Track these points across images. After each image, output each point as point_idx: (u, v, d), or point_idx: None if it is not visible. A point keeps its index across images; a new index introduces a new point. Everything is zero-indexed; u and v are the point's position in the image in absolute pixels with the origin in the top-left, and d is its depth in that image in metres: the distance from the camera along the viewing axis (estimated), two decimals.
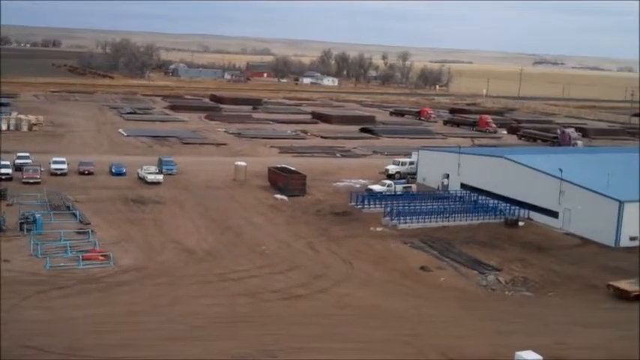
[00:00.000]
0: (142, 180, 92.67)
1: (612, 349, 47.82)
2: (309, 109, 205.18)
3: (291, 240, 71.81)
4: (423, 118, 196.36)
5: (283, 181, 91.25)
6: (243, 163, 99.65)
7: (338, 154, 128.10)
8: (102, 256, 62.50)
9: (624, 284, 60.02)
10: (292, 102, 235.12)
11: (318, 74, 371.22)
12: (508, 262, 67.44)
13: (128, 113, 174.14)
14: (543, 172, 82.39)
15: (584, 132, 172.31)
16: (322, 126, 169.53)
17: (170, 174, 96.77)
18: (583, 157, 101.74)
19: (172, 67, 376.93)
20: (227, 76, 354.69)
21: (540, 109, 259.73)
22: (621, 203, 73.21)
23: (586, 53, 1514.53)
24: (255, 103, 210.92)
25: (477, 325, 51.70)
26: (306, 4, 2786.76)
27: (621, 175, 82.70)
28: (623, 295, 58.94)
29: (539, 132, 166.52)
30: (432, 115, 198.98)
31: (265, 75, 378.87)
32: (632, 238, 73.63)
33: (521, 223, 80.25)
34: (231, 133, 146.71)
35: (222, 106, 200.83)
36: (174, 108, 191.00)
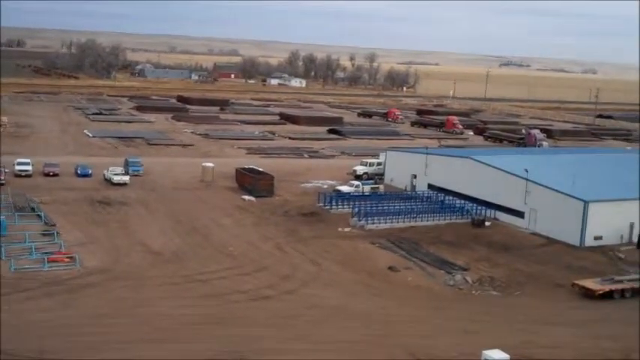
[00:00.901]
0: (108, 181, 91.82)
1: (578, 348, 48.34)
2: (277, 110, 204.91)
3: (259, 241, 71.60)
4: (390, 120, 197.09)
5: (251, 182, 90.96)
6: (210, 164, 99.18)
7: (306, 155, 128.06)
8: (67, 258, 61.79)
9: (589, 283, 60.71)
10: (260, 103, 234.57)
11: (286, 75, 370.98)
12: (475, 262, 67.87)
13: (94, 114, 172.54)
14: (509, 173, 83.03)
15: (549, 133, 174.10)
16: (290, 127, 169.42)
17: (136, 175, 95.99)
18: (548, 157, 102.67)
19: (139, 67, 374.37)
20: (194, 76, 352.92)
21: (506, 110, 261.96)
22: (586, 203, 74.00)
23: (551, 55, 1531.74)
24: (223, 104, 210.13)
25: (444, 325, 51.94)
26: (273, 5, 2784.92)
27: (586, 176, 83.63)
28: (588, 294, 59.61)
29: (505, 133, 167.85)
30: (400, 117, 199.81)
31: (233, 76, 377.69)
32: (596, 238, 74.48)
33: (487, 223, 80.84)
34: (198, 134, 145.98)
35: (189, 106, 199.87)
36: (140, 109, 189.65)
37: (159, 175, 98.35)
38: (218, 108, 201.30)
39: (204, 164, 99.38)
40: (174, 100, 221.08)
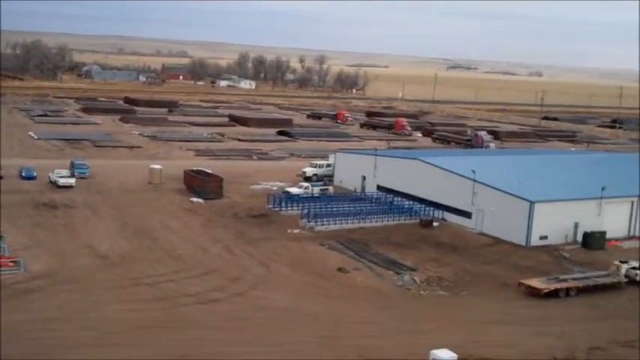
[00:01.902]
0: (54, 184, 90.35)
1: (525, 346, 49.02)
2: (226, 111, 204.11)
3: (208, 243, 71.12)
4: (339, 121, 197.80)
5: (199, 184, 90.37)
6: (158, 166, 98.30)
7: (255, 157, 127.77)
8: (11, 262, 60.47)
9: (535, 282, 61.61)
10: (209, 105, 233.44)
11: (235, 77, 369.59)
12: (423, 262, 68.39)
13: (39, 116, 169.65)
14: (457, 174, 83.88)
15: (496, 134, 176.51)
16: (239, 129, 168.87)
17: (83, 178, 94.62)
18: (495, 158, 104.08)
19: (85, 68, 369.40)
20: (142, 78, 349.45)
21: (454, 112, 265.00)
22: (532, 203, 75.12)
23: (498, 58, 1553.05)
24: (171, 106, 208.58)
25: (393, 325, 52.21)
26: (222, 5, 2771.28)
27: (532, 177, 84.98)
28: (534, 293, 60.48)
29: (453, 135, 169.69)
30: (349, 118, 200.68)
31: (181, 77, 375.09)
32: (542, 238, 75.67)
33: (435, 224, 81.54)
34: (146, 136, 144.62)
35: (136, 108, 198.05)
36: (87, 110, 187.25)
37: (106, 178, 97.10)
38: (166, 110, 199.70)
39: (151, 166, 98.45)
40: (121, 102, 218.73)
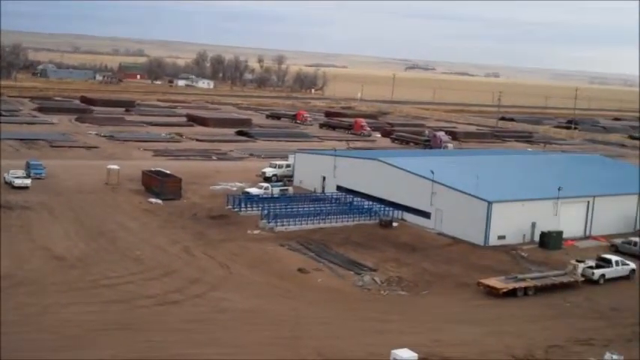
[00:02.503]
0: (9, 185, 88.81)
1: (484, 345, 49.46)
2: (184, 111, 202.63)
3: (167, 245, 70.52)
4: (299, 122, 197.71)
5: (158, 184, 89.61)
6: (115, 167, 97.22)
7: (214, 157, 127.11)
8: None
9: (494, 282, 62.19)
10: (167, 104, 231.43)
11: (193, 76, 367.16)
12: (383, 263, 68.63)
13: None
14: (416, 174, 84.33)
15: (454, 135, 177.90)
16: (198, 129, 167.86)
17: (38, 178, 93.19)
18: (453, 159, 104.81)
19: (41, 67, 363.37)
20: (99, 77, 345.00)
21: (413, 113, 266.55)
22: (490, 204, 75.83)
23: (455, 59, 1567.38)
24: (128, 106, 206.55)
25: (353, 325, 52.29)
26: (180, 5, 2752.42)
27: (490, 177, 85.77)
28: (492, 292, 61.03)
29: (411, 135, 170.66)
30: (308, 119, 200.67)
31: (138, 77, 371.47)
32: (500, 237, 76.43)
33: (395, 224, 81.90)
34: (103, 136, 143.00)
35: (93, 108, 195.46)
36: (42, 110, 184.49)
37: (62, 178, 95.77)
38: (123, 109, 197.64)
39: (109, 167, 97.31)
40: (77, 101, 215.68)
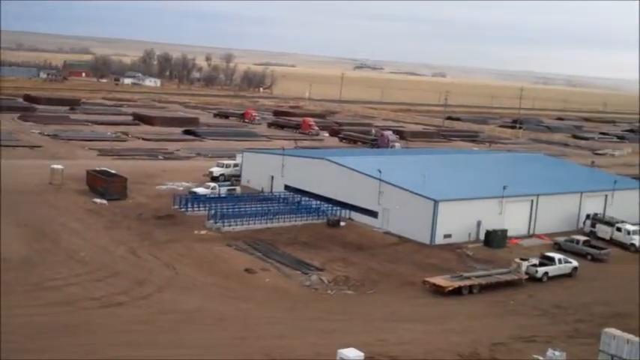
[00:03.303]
0: None
1: (429, 343, 49.92)
2: (130, 110, 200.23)
3: (112, 245, 69.61)
4: (247, 121, 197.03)
5: (103, 184, 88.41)
6: (59, 166, 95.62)
7: (160, 157, 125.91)
8: None
9: (439, 280, 62.82)
10: (112, 103, 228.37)
11: (140, 75, 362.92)
12: (330, 262, 68.78)
13: None
14: (363, 174, 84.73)
15: (401, 134, 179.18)
16: (144, 128, 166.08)
17: None
18: (400, 158, 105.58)
19: None
20: (43, 75, 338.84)
21: (360, 112, 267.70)
22: (436, 203, 76.55)
23: (403, 59, 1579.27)
24: (73, 104, 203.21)
25: (300, 325, 52.31)
26: (126, 3, 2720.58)
27: (436, 176, 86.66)
28: (438, 291, 61.66)
29: (359, 134, 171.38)
30: (256, 118, 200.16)
31: (84, 74, 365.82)
32: (446, 236, 77.26)
33: (342, 224, 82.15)
34: (46, 135, 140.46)
35: (37, 106, 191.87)
36: None
37: (4, 178, 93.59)
38: (68, 108, 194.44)
39: (53, 166, 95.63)
40: (21, 100, 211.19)
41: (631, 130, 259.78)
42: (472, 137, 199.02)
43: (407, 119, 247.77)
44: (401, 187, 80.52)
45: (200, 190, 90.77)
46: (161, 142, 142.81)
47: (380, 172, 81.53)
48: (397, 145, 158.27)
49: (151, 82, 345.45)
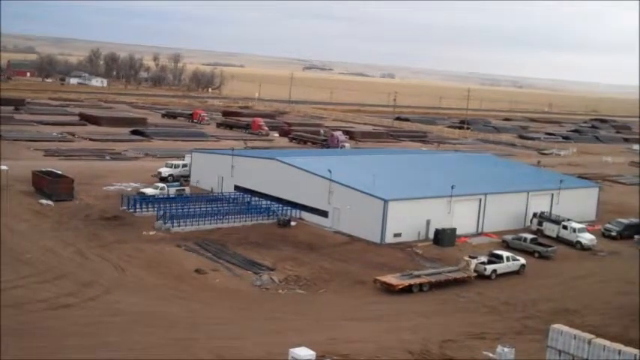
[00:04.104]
0: None
1: (380, 341, 50.10)
2: (77, 110, 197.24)
3: (59, 247, 68.44)
4: (195, 121, 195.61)
5: (49, 185, 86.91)
6: (4, 167, 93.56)
7: (108, 157, 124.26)
8: None
9: (390, 279, 63.14)
10: (58, 103, 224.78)
11: (86, 74, 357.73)
12: (281, 262, 68.65)
13: None
14: (313, 174, 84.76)
15: (351, 135, 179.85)
16: (91, 128, 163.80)
17: None
18: (350, 158, 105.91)
19: None
20: None
21: (310, 112, 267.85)
22: (386, 202, 76.93)
23: (352, 60, 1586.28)
24: (18, 104, 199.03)
25: (251, 325, 52.09)
26: (72, 3, 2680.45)
27: (386, 176, 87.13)
28: (389, 289, 61.97)
29: (309, 135, 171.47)
30: (205, 118, 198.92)
31: (29, 74, 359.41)
32: (396, 235, 77.71)
33: (293, 223, 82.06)
34: None
35: None
36: None
37: None
38: (12, 108, 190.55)
39: None
40: None
41: (576, 131, 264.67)
42: (421, 137, 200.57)
43: (356, 120, 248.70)
44: (351, 187, 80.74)
45: (148, 191, 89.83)
46: (108, 143, 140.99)
47: (330, 172, 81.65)
48: (347, 145, 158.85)
49: (97, 82, 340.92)
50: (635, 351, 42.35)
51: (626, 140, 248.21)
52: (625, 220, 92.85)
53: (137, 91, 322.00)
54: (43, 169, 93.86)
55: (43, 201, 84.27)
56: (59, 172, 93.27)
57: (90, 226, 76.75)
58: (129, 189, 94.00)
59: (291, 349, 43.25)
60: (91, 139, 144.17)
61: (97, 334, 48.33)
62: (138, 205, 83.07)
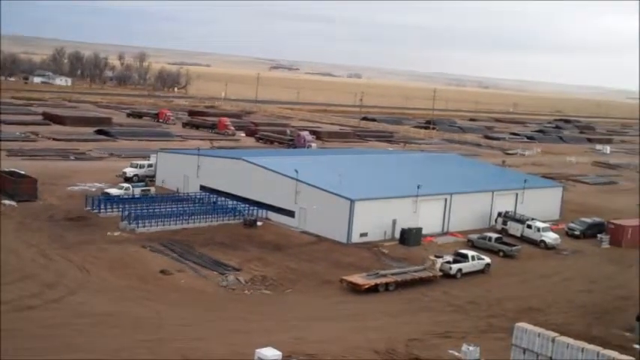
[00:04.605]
0: None
1: (347, 340, 50.18)
2: (41, 109, 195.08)
3: (22, 248, 67.54)
4: (161, 120, 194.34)
5: (12, 185, 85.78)
6: None
7: (72, 157, 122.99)
8: None
9: (356, 278, 63.28)
10: (21, 102, 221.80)
11: (50, 73, 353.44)
12: (247, 262, 68.45)
13: None
14: (280, 174, 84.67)
15: (317, 135, 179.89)
16: (55, 127, 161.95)
17: None
18: (317, 158, 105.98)
19: None
20: None
21: (277, 112, 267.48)
22: (352, 202, 77.10)
23: (319, 60, 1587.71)
24: None
25: (217, 326, 51.90)
26: (36, 1, 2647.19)
27: (352, 176, 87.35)
28: (355, 289, 62.10)
29: (276, 135, 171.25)
30: (171, 117, 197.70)
31: None
32: (362, 235, 77.92)
33: (259, 223, 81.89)
34: None
35: None
36: None
37: None
38: None
39: None
40: None
41: (540, 131, 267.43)
42: (387, 137, 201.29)
43: (323, 119, 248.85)
44: (318, 187, 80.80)
45: (113, 191, 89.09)
46: (73, 142, 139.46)
47: (297, 172, 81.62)
48: (313, 145, 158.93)
49: (61, 81, 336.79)
50: (597, 348, 42.89)
51: (589, 140, 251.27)
52: (588, 220, 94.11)
53: (102, 90, 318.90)
54: (6, 170, 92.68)
55: (6, 201, 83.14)
56: (22, 172, 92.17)
57: (54, 226, 75.90)
58: (93, 189, 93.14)
59: (258, 350, 43.18)
60: (54, 139, 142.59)
61: (62, 335, 47.80)
62: (102, 206, 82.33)
